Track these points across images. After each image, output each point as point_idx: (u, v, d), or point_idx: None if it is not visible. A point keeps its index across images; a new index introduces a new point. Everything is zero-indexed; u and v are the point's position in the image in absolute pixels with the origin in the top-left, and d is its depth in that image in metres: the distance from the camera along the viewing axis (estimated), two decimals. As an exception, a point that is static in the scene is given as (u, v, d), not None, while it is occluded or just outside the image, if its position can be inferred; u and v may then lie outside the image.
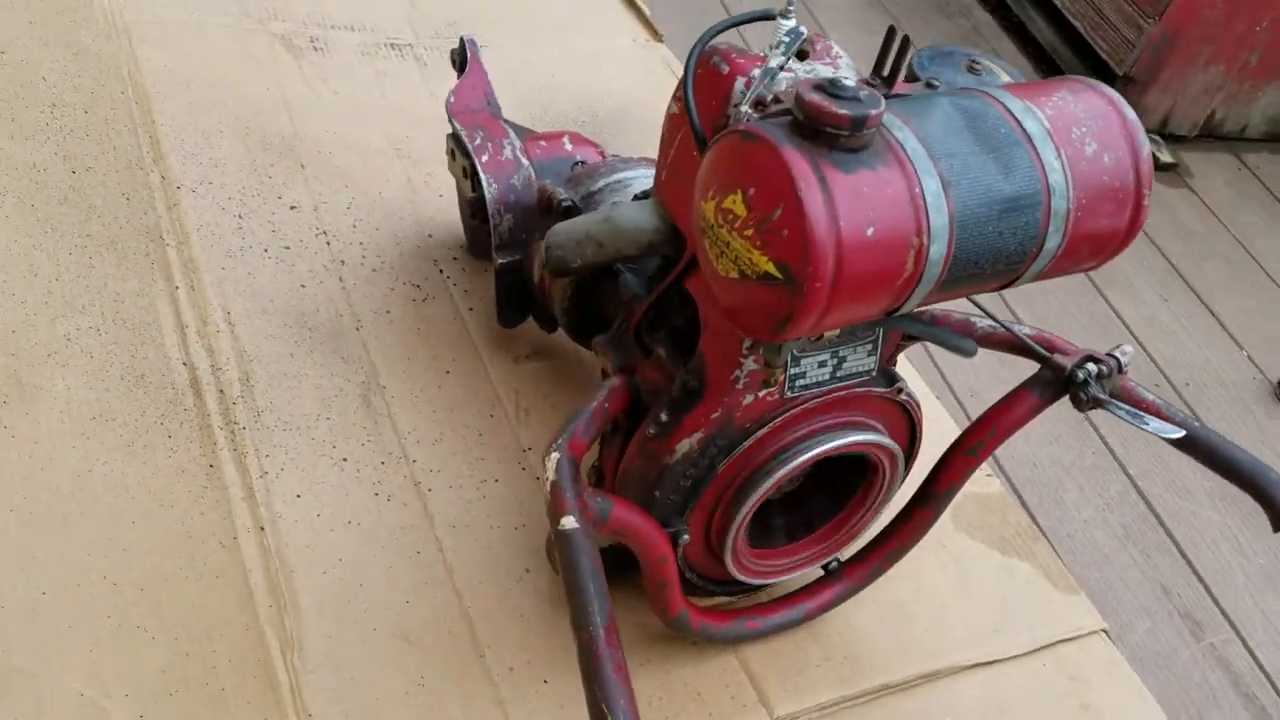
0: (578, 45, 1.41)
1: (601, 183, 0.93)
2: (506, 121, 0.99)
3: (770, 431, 0.73)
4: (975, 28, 3.09)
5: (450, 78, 0.99)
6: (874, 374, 0.75)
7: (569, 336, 0.96)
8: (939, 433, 0.90)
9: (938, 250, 0.58)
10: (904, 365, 0.94)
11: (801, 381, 0.72)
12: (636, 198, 0.84)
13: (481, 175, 0.93)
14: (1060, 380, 0.79)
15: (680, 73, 0.70)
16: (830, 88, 0.56)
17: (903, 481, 0.83)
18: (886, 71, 0.66)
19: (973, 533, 1.00)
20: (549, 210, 0.92)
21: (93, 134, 1.05)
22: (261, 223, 1.04)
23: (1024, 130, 0.61)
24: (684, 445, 0.72)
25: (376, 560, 0.83)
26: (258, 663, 0.75)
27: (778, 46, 0.67)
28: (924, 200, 0.57)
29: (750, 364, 0.70)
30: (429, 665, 0.79)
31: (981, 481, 1.03)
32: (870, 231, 0.56)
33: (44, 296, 0.91)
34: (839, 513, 0.82)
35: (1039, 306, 2.29)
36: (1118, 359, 0.79)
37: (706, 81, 0.69)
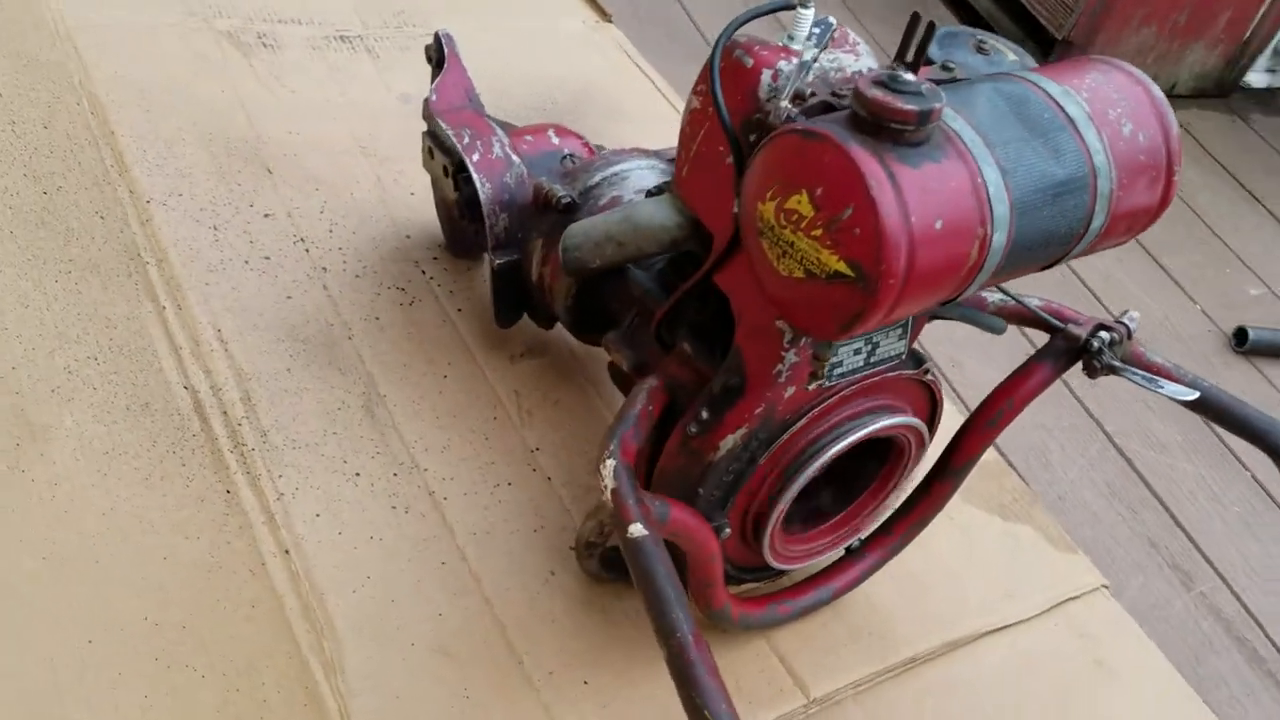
0: (527, 29, 1.39)
1: (598, 176, 0.91)
2: (489, 117, 0.97)
3: (809, 420, 0.73)
4: (911, -7, 3.09)
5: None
6: (904, 357, 0.76)
7: (571, 334, 0.95)
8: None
9: (999, 238, 0.58)
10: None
11: (839, 370, 0.72)
12: (649, 194, 0.82)
13: (474, 175, 0.91)
14: (1074, 349, 0.80)
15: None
16: (891, 83, 0.56)
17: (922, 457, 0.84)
18: (909, 58, 0.66)
19: (974, 501, 1.02)
20: (546, 207, 0.91)
21: (57, 150, 1.00)
22: (238, 233, 1.00)
23: (1066, 114, 0.62)
24: (728, 441, 0.72)
25: (404, 575, 0.82)
26: (305, 690, 0.73)
27: (809, 38, 0.67)
28: (986, 190, 0.57)
29: (792, 357, 0.69)
30: (470, 677, 0.78)
31: (977, 450, 1.05)
32: (939, 225, 0.56)
33: (38, 329, 0.87)
34: (865, 493, 0.83)
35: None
36: (1127, 325, 0.81)
37: (730, 75, 0.68)
